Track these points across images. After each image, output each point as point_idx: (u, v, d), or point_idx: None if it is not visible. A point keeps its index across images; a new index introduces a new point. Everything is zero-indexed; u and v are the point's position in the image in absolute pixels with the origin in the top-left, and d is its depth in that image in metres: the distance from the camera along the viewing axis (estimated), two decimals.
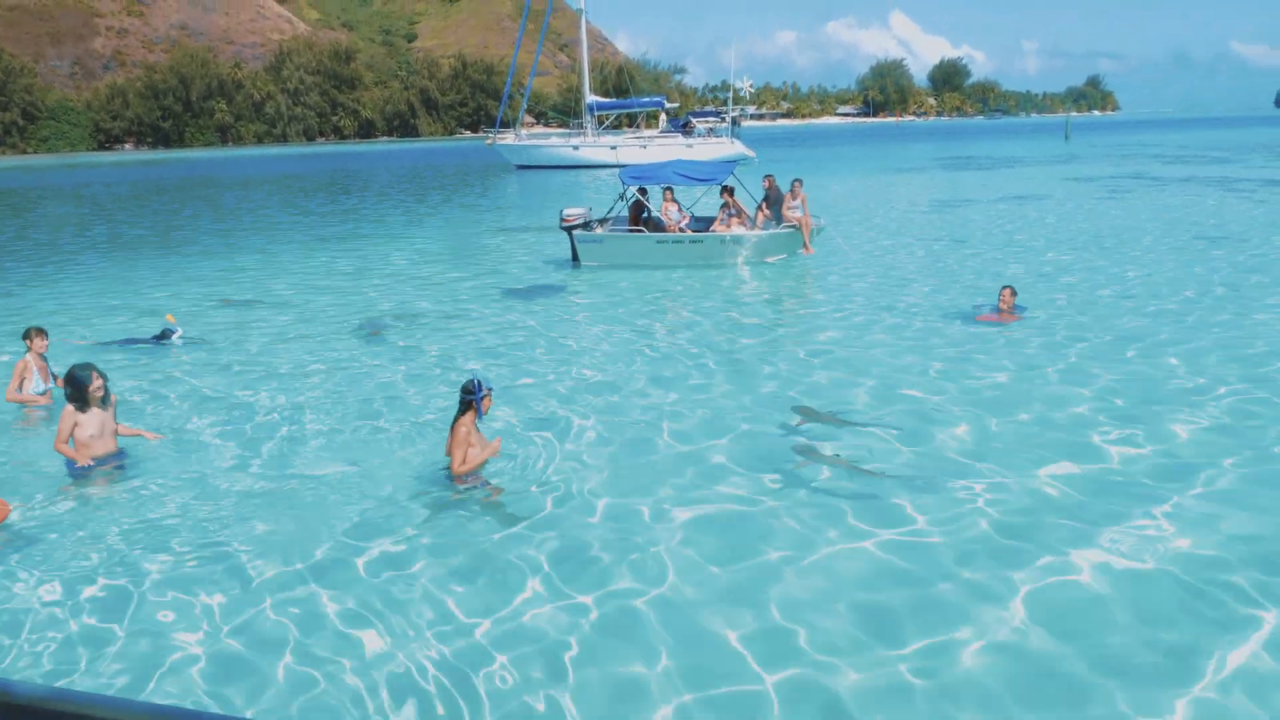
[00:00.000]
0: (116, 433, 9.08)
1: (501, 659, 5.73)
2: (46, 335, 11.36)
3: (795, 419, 9.99)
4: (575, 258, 21.55)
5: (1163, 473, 8.22)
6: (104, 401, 8.87)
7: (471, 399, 8.26)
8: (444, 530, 7.57)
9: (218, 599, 6.56)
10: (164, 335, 14.45)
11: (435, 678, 5.57)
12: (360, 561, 7.03)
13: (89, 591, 6.71)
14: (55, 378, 11.02)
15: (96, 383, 8.87)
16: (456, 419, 8.34)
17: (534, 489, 8.30)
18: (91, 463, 8.71)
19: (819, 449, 9.01)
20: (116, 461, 8.94)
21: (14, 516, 7.81)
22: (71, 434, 8.75)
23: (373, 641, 5.96)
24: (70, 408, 8.77)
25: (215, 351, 14.05)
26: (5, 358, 13.52)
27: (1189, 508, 7.47)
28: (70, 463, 8.78)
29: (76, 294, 20.15)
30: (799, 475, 8.42)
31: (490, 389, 8.46)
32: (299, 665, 5.76)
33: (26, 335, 11.24)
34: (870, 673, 5.42)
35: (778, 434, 9.57)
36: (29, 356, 11.16)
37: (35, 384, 11.10)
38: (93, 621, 6.31)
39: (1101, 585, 6.30)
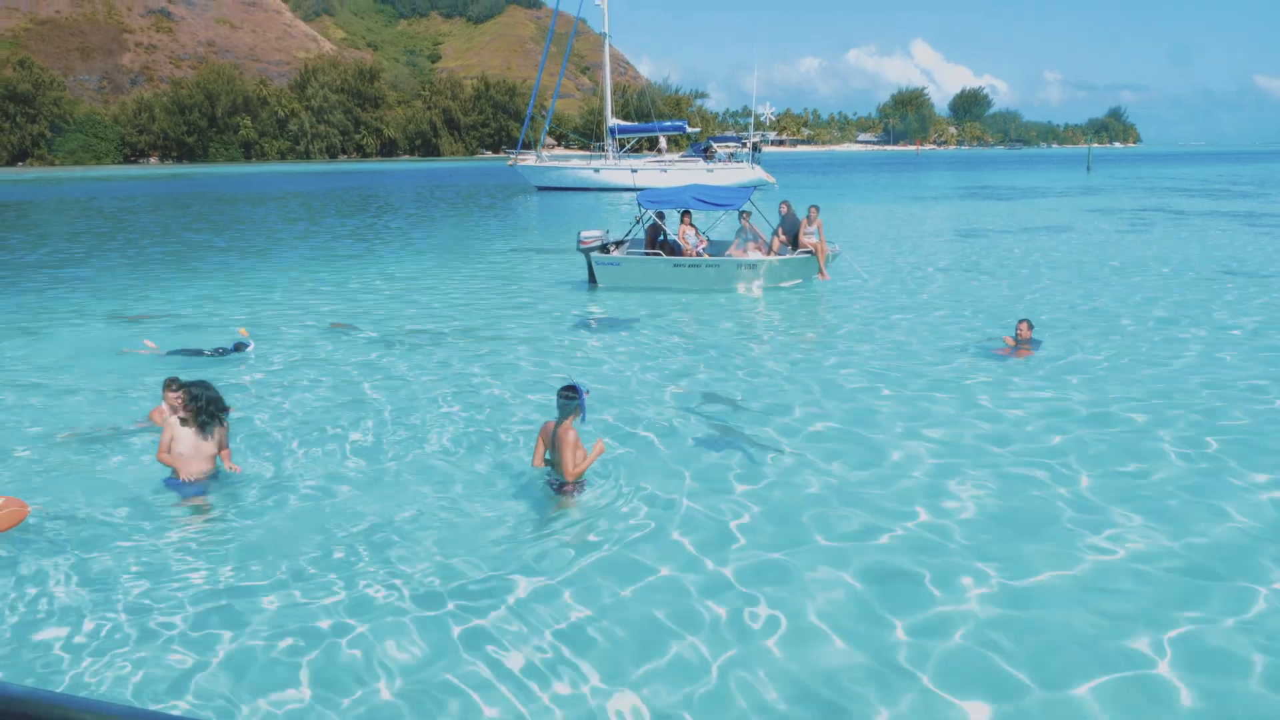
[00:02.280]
0: (216, 456, 8.88)
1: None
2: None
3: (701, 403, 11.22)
4: (592, 279, 21.63)
5: (1095, 519, 8.15)
6: (204, 426, 8.67)
7: (576, 403, 8.30)
8: (566, 533, 7.89)
9: (318, 612, 6.61)
10: (237, 348, 14.72)
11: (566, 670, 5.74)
12: (487, 576, 7.14)
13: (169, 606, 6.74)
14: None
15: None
16: (559, 423, 8.34)
17: (621, 494, 8.68)
18: (185, 479, 8.65)
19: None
20: (210, 484, 8.79)
21: (27, 518, 7.86)
22: (169, 446, 8.68)
23: (513, 659, 6.00)
24: (174, 419, 8.72)
25: (274, 368, 14.14)
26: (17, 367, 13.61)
27: (1134, 543, 7.44)
28: (170, 478, 8.74)
29: (105, 295, 20.35)
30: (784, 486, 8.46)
31: (588, 391, 8.54)
32: (425, 679, 5.82)
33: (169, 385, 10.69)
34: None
35: (776, 453, 9.58)
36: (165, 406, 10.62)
37: None
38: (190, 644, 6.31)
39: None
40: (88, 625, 6.46)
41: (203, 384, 8.75)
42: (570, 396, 8.28)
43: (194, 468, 8.69)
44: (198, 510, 8.46)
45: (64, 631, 6.39)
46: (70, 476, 9.42)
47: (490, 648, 6.13)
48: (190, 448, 8.66)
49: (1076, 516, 8.04)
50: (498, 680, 5.77)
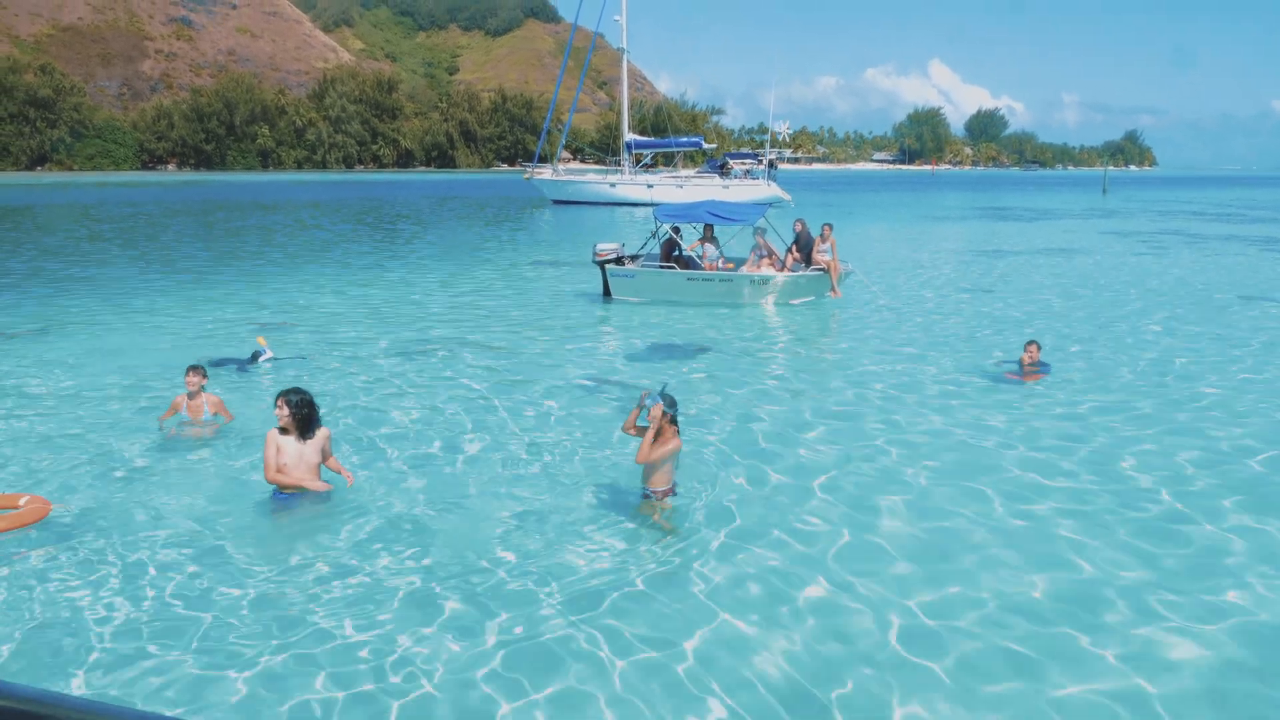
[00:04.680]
0: (320, 466, 8.63)
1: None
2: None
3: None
4: (607, 291, 21.72)
5: (1049, 556, 8.14)
6: (305, 431, 8.46)
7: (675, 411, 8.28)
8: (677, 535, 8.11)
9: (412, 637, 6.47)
10: (254, 358, 14.63)
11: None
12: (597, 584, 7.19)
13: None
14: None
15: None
16: (669, 430, 8.31)
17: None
18: (289, 492, 8.47)
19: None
20: (311, 495, 8.56)
21: (64, 516, 7.96)
22: (275, 463, 8.43)
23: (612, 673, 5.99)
24: (273, 431, 8.47)
25: (292, 379, 14.19)
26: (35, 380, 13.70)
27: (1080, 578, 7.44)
28: (276, 493, 8.57)
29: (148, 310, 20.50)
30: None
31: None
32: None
33: (191, 370, 10.82)
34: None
35: (785, 465, 9.62)
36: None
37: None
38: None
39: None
40: (136, 631, 6.48)
41: (295, 389, 8.52)
42: (674, 405, 8.26)
43: (297, 478, 8.47)
44: (302, 523, 8.29)
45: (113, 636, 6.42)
46: (105, 476, 9.47)
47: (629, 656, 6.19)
48: (294, 457, 8.41)
49: (1071, 539, 8.04)
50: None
